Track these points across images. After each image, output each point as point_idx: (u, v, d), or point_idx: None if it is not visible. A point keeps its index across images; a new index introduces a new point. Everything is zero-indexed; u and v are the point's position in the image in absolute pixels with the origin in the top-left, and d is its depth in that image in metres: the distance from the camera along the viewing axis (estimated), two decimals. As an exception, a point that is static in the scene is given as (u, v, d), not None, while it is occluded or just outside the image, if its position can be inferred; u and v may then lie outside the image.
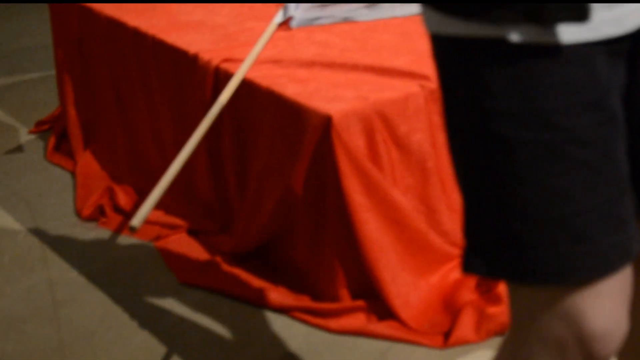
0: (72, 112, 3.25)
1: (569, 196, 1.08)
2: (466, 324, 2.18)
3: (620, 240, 1.10)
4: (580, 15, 1.04)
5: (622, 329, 1.14)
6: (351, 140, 2.23)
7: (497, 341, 2.17)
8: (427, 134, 2.31)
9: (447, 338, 2.18)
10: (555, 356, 1.14)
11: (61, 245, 2.75)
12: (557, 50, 1.06)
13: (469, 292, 2.27)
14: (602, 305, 1.11)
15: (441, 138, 2.33)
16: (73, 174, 3.15)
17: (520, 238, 1.10)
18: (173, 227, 2.74)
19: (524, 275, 1.11)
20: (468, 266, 1.18)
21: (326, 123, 2.23)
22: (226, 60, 2.57)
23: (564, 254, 1.09)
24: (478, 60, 1.09)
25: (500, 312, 2.18)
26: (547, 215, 1.08)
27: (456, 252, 2.36)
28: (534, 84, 1.06)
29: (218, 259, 2.55)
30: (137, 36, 2.87)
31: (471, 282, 2.30)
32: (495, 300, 2.22)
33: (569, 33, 1.06)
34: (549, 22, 1.04)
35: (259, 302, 2.38)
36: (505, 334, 1.26)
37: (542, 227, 1.09)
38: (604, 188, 1.09)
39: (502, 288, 2.22)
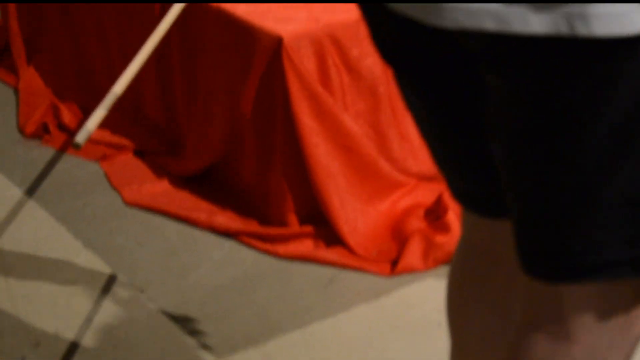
0: (14, 25, 3.15)
1: None
2: (414, 252, 2.18)
3: None
4: None
5: None
6: (302, 62, 2.20)
7: (444, 270, 2.18)
8: (379, 58, 2.27)
9: (394, 266, 2.18)
10: None
11: (3, 163, 2.70)
12: None
13: (417, 220, 2.26)
14: None
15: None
16: (16, 89, 3.08)
17: None
18: (119, 147, 2.69)
19: None
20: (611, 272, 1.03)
21: (277, 44, 2.19)
22: (175, -24, 2.50)
23: None
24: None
25: (448, 241, 2.18)
26: None
27: (405, 179, 2.35)
28: None
29: (165, 180, 2.52)
30: (82, -52, 2.79)
31: (420, 210, 2.30)
32: (444, 228, 2.22)
33: None
34: None
35: (206, 225, 2.36)
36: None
37: None
38: None
39: (450, 216, 2.23)
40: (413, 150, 2.36)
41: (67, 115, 2.85)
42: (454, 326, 1.33)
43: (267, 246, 2.28)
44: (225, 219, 2.35)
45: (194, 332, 2.05)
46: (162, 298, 2.15)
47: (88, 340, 2.04)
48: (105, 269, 2.24)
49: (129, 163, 2.64)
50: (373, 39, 1.16)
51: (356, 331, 2.04)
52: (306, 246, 2.26)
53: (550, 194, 1.02)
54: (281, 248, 2.26)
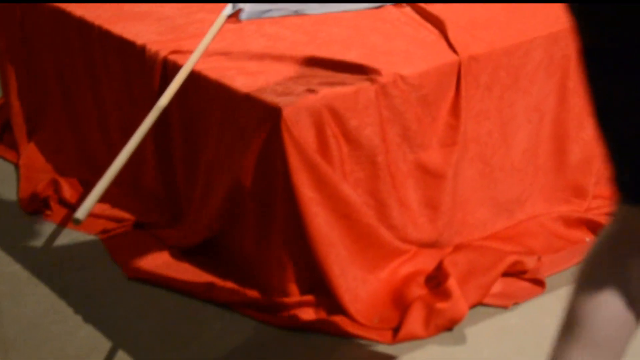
0: (15, 103, 3.19)
1: None
2: (415, 320, 2.18)
3: None
4: None
5: None
6: (301, 134, 2.22)
7: (445, 336, 2.18)
8: (377, 128, 2.31)
9: (396, 333, 2.18)
10: None
11: (4, 238, 2.70)
12: None
13: (418, 288, 2.27)
14: None
15: (391, 132, 2.33)
16: (16, 165, 3.10)
17: None
18: (119, 221, 2.71)
19: None
20: None
21: (276, 116, 2.21)
22: (174, 52, 2.54)
23: None
24: None
25: (449, 307, 2.18)
26: None
27: (405, 247, 2.36)
28: None
29: (165, 252, 2.53)
30: (82, 26, 2.83)
31: (420, 277, 2.30)
32: (445, 295, 2.22)
33: None
34: None
35: (207, 296, 2.36)
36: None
37: None
38: None
39: (451, 283, 2.23)
40: (413, 217, 2.37)
41: (68, 190, 2.87)
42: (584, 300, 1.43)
43: (268, 316, 2.27)
44: (226, 290, 2.36)
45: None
46: (164, 370, 2.14)
47: (89, 414, 2.03)
48: (106, 343, 2.24)
49: (129, 236, 2.65)
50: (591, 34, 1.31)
51: (359, 400, 2.03)
52: (307, 315, 2.25)
53: None
54: (282, 318, 2.26)
